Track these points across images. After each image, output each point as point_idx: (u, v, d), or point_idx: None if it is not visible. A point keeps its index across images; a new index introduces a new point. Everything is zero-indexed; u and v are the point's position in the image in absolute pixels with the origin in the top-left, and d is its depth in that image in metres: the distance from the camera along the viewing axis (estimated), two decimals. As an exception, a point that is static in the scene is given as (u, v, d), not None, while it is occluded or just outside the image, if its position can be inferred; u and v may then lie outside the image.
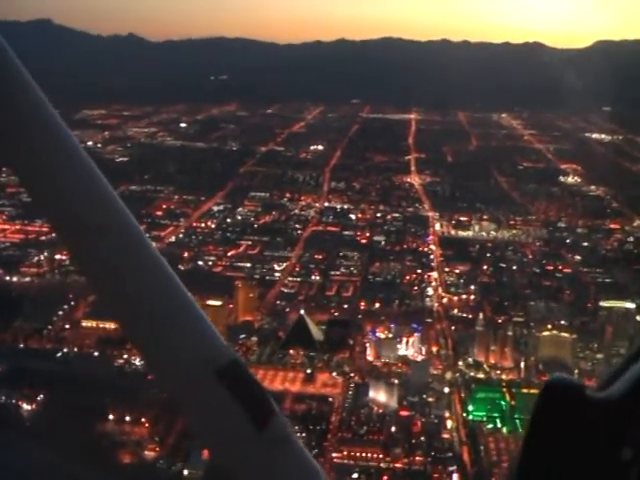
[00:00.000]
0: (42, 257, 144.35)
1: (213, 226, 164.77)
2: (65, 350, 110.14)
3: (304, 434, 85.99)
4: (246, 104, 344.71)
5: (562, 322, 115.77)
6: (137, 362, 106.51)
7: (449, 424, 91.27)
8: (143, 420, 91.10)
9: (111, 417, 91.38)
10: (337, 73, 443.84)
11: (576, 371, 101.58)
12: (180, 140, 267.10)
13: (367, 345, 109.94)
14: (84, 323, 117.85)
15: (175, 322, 3.04)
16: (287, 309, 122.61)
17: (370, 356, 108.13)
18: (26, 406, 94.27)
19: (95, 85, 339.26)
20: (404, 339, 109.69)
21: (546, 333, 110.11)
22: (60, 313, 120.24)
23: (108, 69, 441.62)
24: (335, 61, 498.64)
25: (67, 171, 3.01)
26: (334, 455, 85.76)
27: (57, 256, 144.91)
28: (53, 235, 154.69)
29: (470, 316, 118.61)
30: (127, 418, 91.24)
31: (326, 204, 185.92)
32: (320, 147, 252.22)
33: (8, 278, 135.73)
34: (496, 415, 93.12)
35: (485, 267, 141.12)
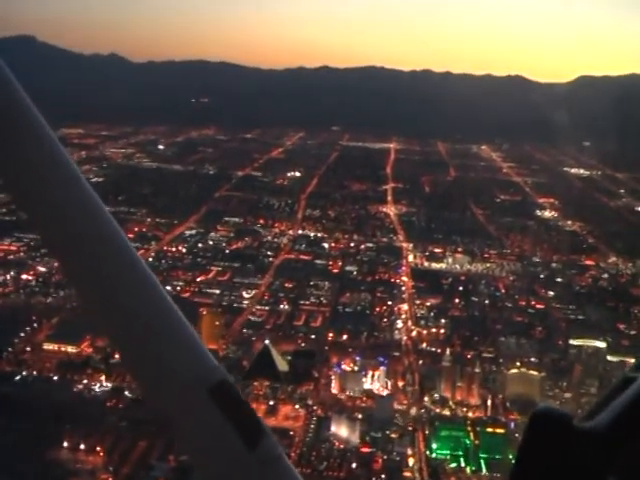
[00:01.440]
0: (8, 277, 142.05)
1: (184, 250, 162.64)
2: (24, 373, 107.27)
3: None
4: (226, 128, 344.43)
5: (532, 359, 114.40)
6: (96, 388, 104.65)
7: (411, 462, 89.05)
8: (98, 449, 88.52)
9: (65, 444, 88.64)
10: (319, 100, 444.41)
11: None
12: (157, 162, 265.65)
13: (332, 378, 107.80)
14: (46, 346, 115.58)
15: (166, 339, 3.03)
16: (253, 338, 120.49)
17: (335, 389, 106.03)
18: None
19: (76, 104, 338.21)
20: (370, 372, 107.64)
21: (514, 370, 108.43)
22: (22, 335, 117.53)
23: (89, 88, 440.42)
24: (317, 88, 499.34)
25: (59, 185, 3.00)
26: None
27: (23, 276, 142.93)
28: (21, 255, 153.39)
29: (439, 350, 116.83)
30: (82, 446, 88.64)
31: (300, 232, 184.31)
32: (297, 174, 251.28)
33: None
34: (460, 454, 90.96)
35: (457, 300, 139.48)
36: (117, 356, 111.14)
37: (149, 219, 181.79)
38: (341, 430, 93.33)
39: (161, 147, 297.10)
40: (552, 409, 2.81)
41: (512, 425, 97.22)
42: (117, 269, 2.99)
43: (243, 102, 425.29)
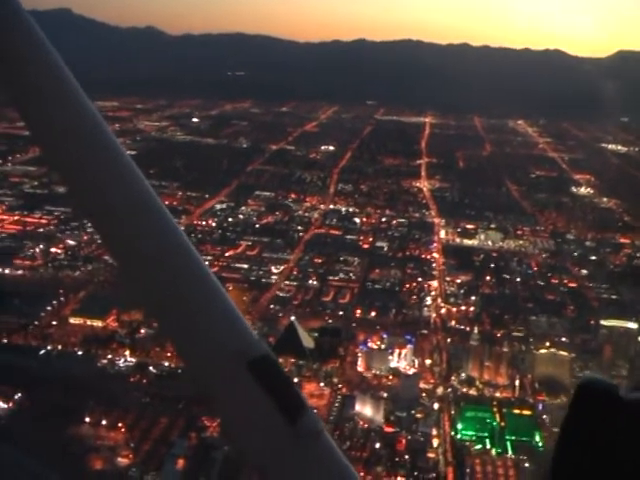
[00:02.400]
0: (37, 250, 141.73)
1: (214, 224, 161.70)
2: (49, 348, 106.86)
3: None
4: (261, 101, 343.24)
5: (563, 339, 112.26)
6: (121, 363, 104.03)
7: (435, 443, 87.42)
8: (120, 425, 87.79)
9: (87, 420, 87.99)
10: (354, 73, 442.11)
11: (572, 391, 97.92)
12: (190, 135, 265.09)
13: (358, 355, 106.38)
14: (72, 320, 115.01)
15: (208, 313, 3.10)
16: (280, 314, 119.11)
17: (360, 367, 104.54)
18: (1, 404, 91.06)
19: (111, 77, 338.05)
20: (396, 350, 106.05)
21: (544, 351, 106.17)
22: (48, 309, 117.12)
23: (125, 61, 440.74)
24: (353, 61, 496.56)
25: (99, 157, 3.16)
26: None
27: (52, 249, 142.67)
28: (51, 228, 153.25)
29: (468, 329, 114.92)
30: (103, 422, 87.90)
31: (331, 206, 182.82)
32: (331, 147, 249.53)
33: (0, 271, 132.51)
34: (485, 435, 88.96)
35: (488, 278, 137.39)
36: (142, 331, 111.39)
37: (180, 192, 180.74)
38: (365, 409, 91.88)
39: (195, 120, 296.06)
40: (598, 379, 2.87)
41: (540, 407, 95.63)
42: (158, 240, 3.10)
43: (278, 75, 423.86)
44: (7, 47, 3.13)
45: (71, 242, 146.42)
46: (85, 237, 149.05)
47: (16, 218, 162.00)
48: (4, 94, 3.16)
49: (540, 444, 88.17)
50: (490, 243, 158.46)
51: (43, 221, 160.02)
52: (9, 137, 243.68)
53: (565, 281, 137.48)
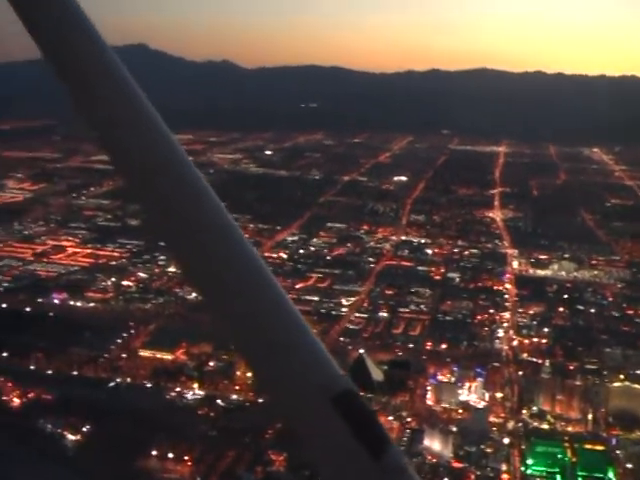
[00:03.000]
0: (109, 282, 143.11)
1: (285, 257, 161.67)
2: (118, 380, 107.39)
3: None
4: (334, 133, 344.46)
5: (638, 371, 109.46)
6: (189, 396, 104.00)
7: (505, 478, 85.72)
8: (186, 458, 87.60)
9: (154, 453, 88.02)
10: (428, 103, 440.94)
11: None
12: (263, 167, 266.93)
13: (428, 388, 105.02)
14: (141, 352, 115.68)
15: (291, 347, 3.16)
16: (350, 347, 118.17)
17: (430, 400, 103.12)
18: (70, 436, 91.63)
19: (186, 110, 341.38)
20: (467, 384, 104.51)
21: (618, 384, 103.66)
22: (119, 341, 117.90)
23: (201, 94, 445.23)
24: (427, 91, 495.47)
25: (184, 189, 3.29)
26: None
27: (124, 282, 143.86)
28: (123, 261, 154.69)
29: (540, 361, 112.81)
30: (170, 455, 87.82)
31: (403, 237, 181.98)
32: (404, 178, 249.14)
33: (72, 303, 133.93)
34: (556, 471, 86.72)
35: (561, 309, 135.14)
36: (211, 364, 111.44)
37: (252, 225, 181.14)
38: (434, 443, 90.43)
39: (268, 152, 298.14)
40: None
41: (614, 441, 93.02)
42: (241, 273, 3.19)
43: (352, 106, 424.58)
44: (92, 80, 3.36)
45: (143, 275, 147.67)
46: (157, 270, 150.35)
47: (89, 251, 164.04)
48: (88, 127, 3.34)
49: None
50: (564, 273, 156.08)
51: (115, 254, 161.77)
52: (84, 170, 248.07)
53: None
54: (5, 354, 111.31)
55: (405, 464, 3.09)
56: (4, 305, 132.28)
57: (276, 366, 3.12)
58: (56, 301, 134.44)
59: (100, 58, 3.45)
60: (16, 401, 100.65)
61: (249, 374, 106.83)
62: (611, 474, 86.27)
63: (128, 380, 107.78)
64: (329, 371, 3.14)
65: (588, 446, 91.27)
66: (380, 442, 3.02)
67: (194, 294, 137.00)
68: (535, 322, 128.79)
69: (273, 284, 3.24)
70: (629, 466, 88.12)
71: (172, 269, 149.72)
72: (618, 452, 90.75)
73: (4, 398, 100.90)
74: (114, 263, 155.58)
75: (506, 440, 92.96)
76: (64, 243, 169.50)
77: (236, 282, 3.17)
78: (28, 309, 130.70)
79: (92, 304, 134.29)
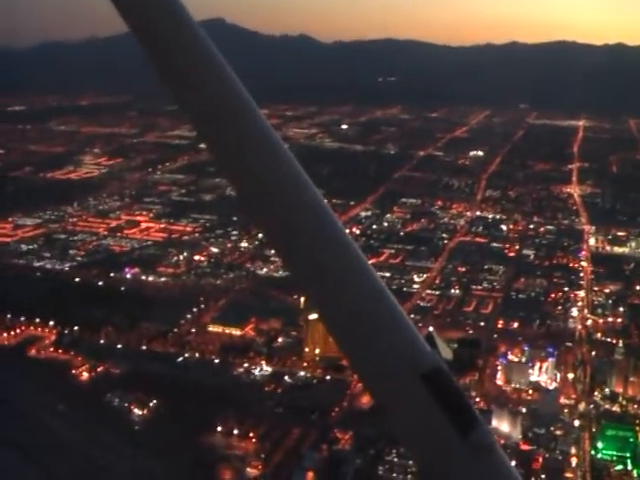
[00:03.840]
0: (181, 257, 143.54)
1: (357, 232, 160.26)
2: (186, 355, 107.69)
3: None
4: (411, 107, 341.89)
5: None
6: (256, 372, 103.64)
7: (574, 462, 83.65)
8: (251, 435, 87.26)
9: (220, 429, 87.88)
10: (507, 76, 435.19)
11: None
12: (339, 142, 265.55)
13: (498, 368, 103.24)
14: (210, 328, 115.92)
15: (381, 324, 3.24)
16: (420, 324, 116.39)
17: (500, 380, 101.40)
18: (137, 411, 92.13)
19: (263, 85, 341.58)
20: (537, 364, 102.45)
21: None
22: (188, 316, 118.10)
23: (277, 69, 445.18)
24: (505, 64, 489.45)
25: (269, 162, 3.43)
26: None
27: (196, 257, 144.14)
28: (195, 235, 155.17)
29: (614, 341, 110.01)
30: (235, 431, 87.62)
31: (478, 213, 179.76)
32: (480, 153, 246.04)
33: (144, 277, 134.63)
34: (627, 455, 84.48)
35: (638, 287, 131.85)
36: (280, 340, 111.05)
37: (325, 200, 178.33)
38: (502, 425, 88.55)
39: (344, 127, 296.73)
40: None
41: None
42: (333, 252, 3.28)
43: (430, 80, 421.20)
44: (186, 66, 3.46)
45: (214, 249, 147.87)
46: (229, 245, 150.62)
47: (162, 226, 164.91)
48: (183, 112, 3.46)
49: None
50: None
51: (188, 229, 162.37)
52: (159, 146, 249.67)
53: None
54: (76, 328, 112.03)
55: (494, 442, 3.13)
56: (77, 279, 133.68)
57: (366, 342, 3.18)
58: (128, 276, 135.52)
59: (188, 33, 3.50)
60: (85, 375, 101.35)
61: (317, 350, 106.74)
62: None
63: (196, 355, 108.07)
64: (419, 348, 3.21)
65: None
66: (469, 420, 3.08)
67: (265, 269, 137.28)
68: (610, 301, 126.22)
69: (364, 263, 3.31)
70: None
71: (244, 244, 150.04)
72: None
73: (73, 372, 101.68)
74: (187, 238, 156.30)
75: (576, 423, 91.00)
76: (138, 218, 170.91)
77: (327, 260, 3.25)
78: (100, 283, 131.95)
79: (163, 279, 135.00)
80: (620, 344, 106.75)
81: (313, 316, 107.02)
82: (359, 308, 3.21)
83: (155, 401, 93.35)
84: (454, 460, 3.07)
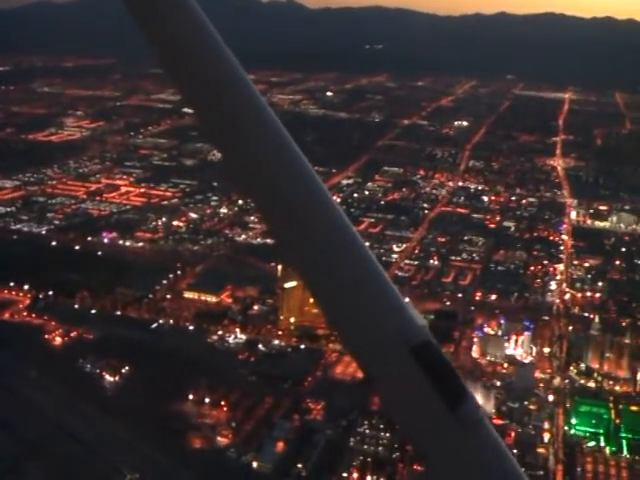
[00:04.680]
0: (159, 222, 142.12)
1: (338, 200, 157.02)
2: (161, 321, 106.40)
3: (392, 435, 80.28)
4: (397, 75, 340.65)
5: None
6: (230, 340, 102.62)
7: (547, 437, 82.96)
8: (223, 403, 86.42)
9: (191, 397, 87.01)
10: (495, 47, 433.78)
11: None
12: (323, 109, 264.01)
13: (474, 341, 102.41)
14: (186, 294, 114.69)
15: (372, 298, 3.23)
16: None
17: (475, 353, 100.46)
18: (109, 377, 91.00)
19: (249, 50, 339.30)
20: (513, 337, 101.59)
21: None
22: (164, 282, 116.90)
23: (264, 34, 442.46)
24: (493, 35, 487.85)
25: (260, 135, 3.38)
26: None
27: (175, 222, 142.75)
28: (175, 201, 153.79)
29: (592, 316, 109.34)
30: (207, 399, 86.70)
31: (460, 183, 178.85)
32: (465, 123, 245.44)
33: (122, 242, 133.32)
34: (601, 432, 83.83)
35: (618, 262, 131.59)
36: (255, 307, 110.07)
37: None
38: (476, 398, 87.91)
39: (329, 94, 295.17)
40: None
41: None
42: (322, 225, 3.30)
43: (417, 49, 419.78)
44: (174, 31, 3.41)
45: (194, 215, 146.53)
46: (208, 210, 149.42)
47: (142, 190, 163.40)
48: (170, 77, 3.40)
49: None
50: (623, 226, 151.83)
51: (168, 194, 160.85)
52: (143, 109, 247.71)
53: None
54: (51, 292, 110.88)
55: (482, 416, 3.13)
56: (54, 243, 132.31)
57: (356, 316, 3.18)
58: (106, 240, 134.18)
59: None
60: (58, 340, 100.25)
61: (292, 319, 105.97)
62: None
63: (171, 322, 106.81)
64: (409, 322, 3.19)
65: (634, 407, 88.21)
66: (458, 394, 3.10)
67: (243, 236, 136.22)
68: (590, 275, 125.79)
69: (353, 235, 3.29)
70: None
71: (224, 210, 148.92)
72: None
73: (46, 336, 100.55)
74: (166, 203, 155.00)
75: (551, 397, 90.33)
76: (118, 182, 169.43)
77: (318, 235, 3.25)
78: (77, 247, 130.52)
79: (141, 244, 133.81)
80: (597, 319, 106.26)
81: (289, 284, 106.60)
82: (349, 282, 3.19)
83: (127, 367, 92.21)
84: (443, 434, 3.09)
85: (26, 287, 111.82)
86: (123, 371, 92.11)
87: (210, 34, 3.40)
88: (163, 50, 3.41)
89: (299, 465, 76.30)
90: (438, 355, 3.16)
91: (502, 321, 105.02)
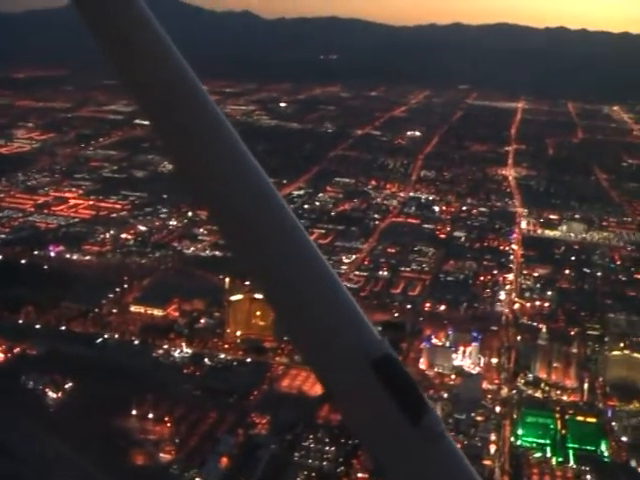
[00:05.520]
0: (107, 235, 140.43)
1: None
2: (106, 336, 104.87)
3: (338, 449, 79.50)
4: (351, 85, 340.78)
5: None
6: (176, 354, 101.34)
7: (493, 449, 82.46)
8: (166, 419, 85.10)
9: (134, 413, 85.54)
10: (449, 57, 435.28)
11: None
12: (276, 120, 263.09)
13: (421, 352, 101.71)
14: (132, 308, 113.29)
15: (331, 311, 3.21)
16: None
17: (423, 364, 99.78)
18: (51, 394, 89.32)
19: (204, 60, 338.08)
20: (461, 348, 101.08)
21: (617, 352, 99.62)
22: (111, 296, 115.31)
23: (219, 45, 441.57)
24: (448, 45, 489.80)
25: (216, 147, 3.31)
26: (360, 475, 77.90)
27: (123, 235, 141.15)
28: (124, 213, 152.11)
29: (541, 326, 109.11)
30: (150, 415, 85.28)
31: (411, 194, 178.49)
32: (418, 133, 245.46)
33: (69, 256, 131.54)
34: (547, 443, 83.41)
35: (567, 271, 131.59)
36: (202, 321, 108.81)
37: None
38: (437, 411, 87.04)
39: (282, 104, 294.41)
40: None
41: (610, 413, 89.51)
42: (280, 238, 3.25)
43: (372, 59, 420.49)
44: (125, 35, 3.32)
45: (142, 228, 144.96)
46: (157, 223, 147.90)
47: (91, 203, 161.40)
48: (124, 88, 3.33)
49: (606, 454, 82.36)
50: (573, 234, 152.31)
51: (117, 206, 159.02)
52: (94, 120, 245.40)
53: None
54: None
55: (443, 430, 3.10)
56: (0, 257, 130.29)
57: (316, 331, 3.15)
58: (52, 254, 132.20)
59: (129, 6, 3.38)
60: (0, 356, 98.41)
61: (239, 332, 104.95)
62: (604, 447, 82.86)
63: (116, 336, 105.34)
64: (369, 335, 3.16)
65: (580, 418, 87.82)
66: (419, 407, 3.06)
67: (192, 249, 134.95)
68: (539, 285, 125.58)
69: (312, 249, 3.26)
70: (624, 439, 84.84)
71: (173, 222, 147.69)
72: (614, 424, 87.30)
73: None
74: (115, 215, 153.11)
75: (498, 409, 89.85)
76: (67, 194, 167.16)
77: (274, 247, 3.19)
78: (23, 261, 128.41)
79: (88, 257, 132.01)
80: (544, 329, 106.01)
81: (236, 297, 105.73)
82: (308, 295, 3.17)
83: (71, 383, 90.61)
84: (404, 447, 3.05)
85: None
86: (66, 387, 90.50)
87: (166, 45, 3.31)
88: (117, 60, 3.31)
89: (242, 481, 75.25)
90: (398, 368, 3.10)
91: (450, 332, 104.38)
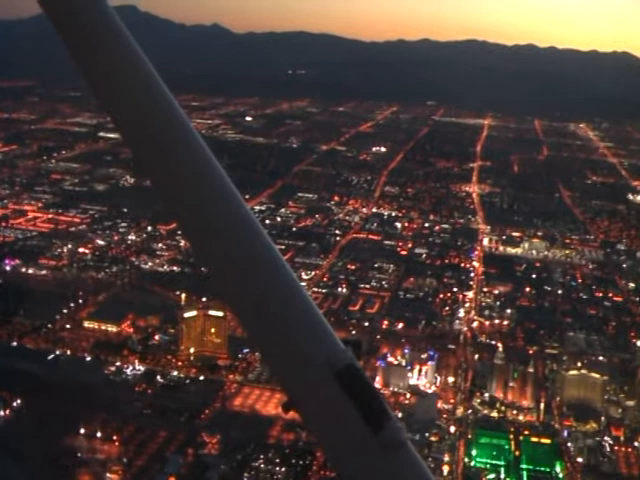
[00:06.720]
0: (65, 249, 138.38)
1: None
2: (58, 352, 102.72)
3: (288, 469, 78.12)
4: (319, 100, 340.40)
5: (600, 358, 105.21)
6: (128, 371, 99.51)
7: (446, 470, 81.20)
8: (115, 438, 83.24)
9: (82, 431, 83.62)
10: (417, 73, 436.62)
11: (602, 418, 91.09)
12: (241, 134, 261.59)
13: (377, 371, 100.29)
14: (86, 324, 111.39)
15: (295, 321, 3.27)
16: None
17: (378, 384, 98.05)
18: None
19: (172, 74, 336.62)
20: (417, 367, 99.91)
21: (574, 372, 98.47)
22: (65, 311, 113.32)
23: (188, 58, 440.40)
24: (416, 61, 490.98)
25: (183, 153, 3.40)
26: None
27: (80, 249, 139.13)
28: (83, 227, 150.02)
29: (499, 344, 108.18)
30: (99, 434, 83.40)
31: (374, 210, 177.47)
32: (383, 149, 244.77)
33: (24, 270, 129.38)
34: (501, 464, 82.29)
35: (527, 289, 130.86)
36: (157, 337, 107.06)
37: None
38: (399, 420, 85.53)
39: (249, 119, 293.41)
40: None
41: (565, 433, 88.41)
42: (248, 250, 3.30)
43: (341, 74, 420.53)
44: (96, 44, 3.38)
45: (100, 242, 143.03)
46: (116, 237, 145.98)
47: (50, 216, 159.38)
48: (91, 90, 3.36)
49: (560, 475, 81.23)
50: (534, 252, 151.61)
51: (76, 220, 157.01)
52: (58, 133, 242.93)
53: (610, 295, 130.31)
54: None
55: (404, 439, 3.17)
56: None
57: (278, 341, 3.19)
58: (7, 267, 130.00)
59: (101, 18, 3.44)
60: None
61: (192, 349, 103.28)
62: (558, 468, 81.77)
63: (68, 352, 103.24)
64: (333, 346, 3.24)
65: (535, 438, 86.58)
66: (381, 416, 3.12)
67: (150, 264, 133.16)
68: (499, 303, 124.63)
69: (278, 259, 3.31)
70: (579, 460, 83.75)
71: (132, 237, 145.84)
72: (569, 445, 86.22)
73: None
74: (73, 229, 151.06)
75: (452, 429, 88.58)
76: (26, 207, 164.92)
77: (241, 257, 3.24)
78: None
79: (44, 271, 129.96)
80: (501, 348, 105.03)
81: (189, 313, 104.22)
82: (274, 307, 3.21)
83: (19, 401, 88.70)
84: (366, 457, 3.10)
85: None
86: (14, 404, 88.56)
87: (137, 55, 3.36)
88: (89, 71, 3.34)
89: (189, 502, 73.58)
90: (362, 378, 3.15)
91: (406, 350, 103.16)
